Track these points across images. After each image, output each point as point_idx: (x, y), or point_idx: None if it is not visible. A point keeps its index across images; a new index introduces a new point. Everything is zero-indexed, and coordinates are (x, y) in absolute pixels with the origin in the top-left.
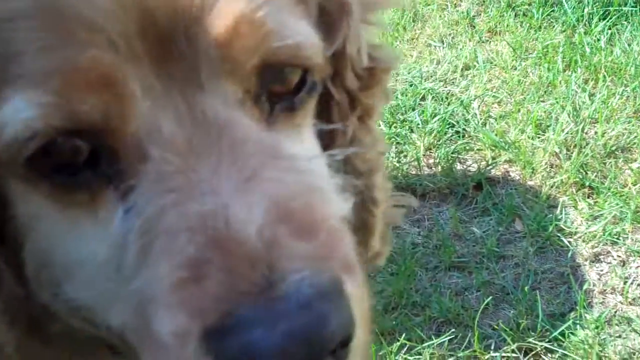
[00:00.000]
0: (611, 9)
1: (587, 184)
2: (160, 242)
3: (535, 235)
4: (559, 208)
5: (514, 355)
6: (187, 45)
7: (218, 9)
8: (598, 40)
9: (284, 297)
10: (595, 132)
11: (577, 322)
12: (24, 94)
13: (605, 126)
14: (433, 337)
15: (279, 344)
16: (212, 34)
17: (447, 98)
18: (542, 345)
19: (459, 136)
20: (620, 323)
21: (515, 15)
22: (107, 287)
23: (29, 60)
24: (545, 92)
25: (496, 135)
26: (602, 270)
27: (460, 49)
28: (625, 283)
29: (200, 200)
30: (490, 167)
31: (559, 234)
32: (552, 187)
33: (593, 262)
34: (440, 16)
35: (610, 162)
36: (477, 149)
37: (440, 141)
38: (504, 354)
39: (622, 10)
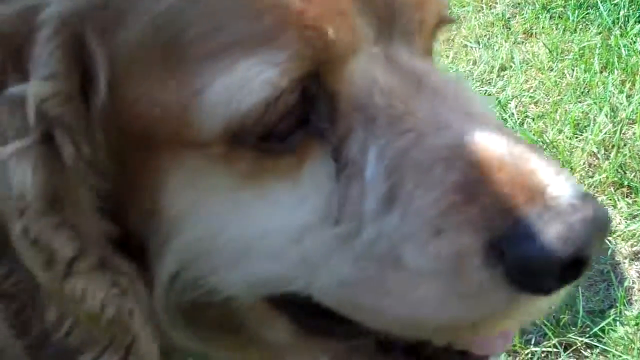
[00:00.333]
0: None
1: (626, 183)
2: (412, 179)
3: None
4: None
5: (554, 350)
6: (388, 3)
7: None
8: (634, 42)
9: (561, 196)
10: (634, 133)
11: (617, 318)
12: (253, 57)
13: None
14: None
15: (574, 234)
16: (422, 7)
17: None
18: (582, 341)
19: None
20: None
21: (551, 17)
22: (316, 248)
23: (244, 25)
24: (582, 93)
25: (534, 135)
26: None
27: (497, 50)
28: None
29: (439, 135)
30: None
31: None
32: (590, 186)
33: (632, 260)
34: (475, 17)
35: None
36: None
37: None
38: (544, 349)
39: None
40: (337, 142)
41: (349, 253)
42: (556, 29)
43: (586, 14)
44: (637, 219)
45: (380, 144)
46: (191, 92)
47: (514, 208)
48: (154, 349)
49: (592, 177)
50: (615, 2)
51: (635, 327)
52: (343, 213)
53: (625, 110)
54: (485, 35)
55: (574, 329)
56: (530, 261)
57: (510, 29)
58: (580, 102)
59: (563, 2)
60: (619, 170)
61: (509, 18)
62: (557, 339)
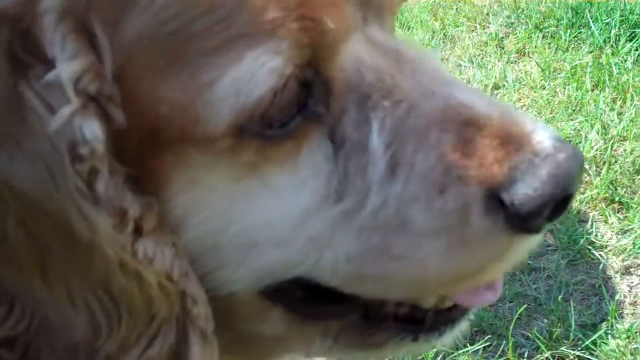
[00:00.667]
0: (638, 30)
1: (617, 199)
2: (411, 145)
3: (567, 248)
4: (589, 222)
5: None
6: None
7: None
8: (625, 61)
9: (544, 140)
10: (624, 150)
11: (609, 332)
12: (257, 48)
13: (633, 144)
14: (468, 345)
15: (562, 171)
16: None
17: None
18: (574, 354)
19: None
20: None
21: (543, 37)
22: (320, 228)
23: (246, 18)
24: (574, 110)
25: None
26: (632, 282)
27: (490, 69)
28: None
29: (430, 101)
30: None
31: (589, 247)
32: (582, 202)
33: (624, 274)
34: (469, 37)
35: (639, 179)
36: None
37: None
38: None
39: None
40: (333, 123)
41: (353, 226)
42: (548, 48)
43: (578, 33)
44: (628, 234)
45: (379, 117)
46: (198, 87)
47: (506, 157)
48: (210, 313)
49: (583, 193)
50: (606, 21)
51: (627, 340)
52: (345, 189)
53: (616, 127)
54: (478, 54)
55: (566, 342)
56: (528, 203)
57: (503, 48)
58: (572, 119)
59: (555, 21)
60: (610, 186)
61: (502, 38)
62: (549, 352)
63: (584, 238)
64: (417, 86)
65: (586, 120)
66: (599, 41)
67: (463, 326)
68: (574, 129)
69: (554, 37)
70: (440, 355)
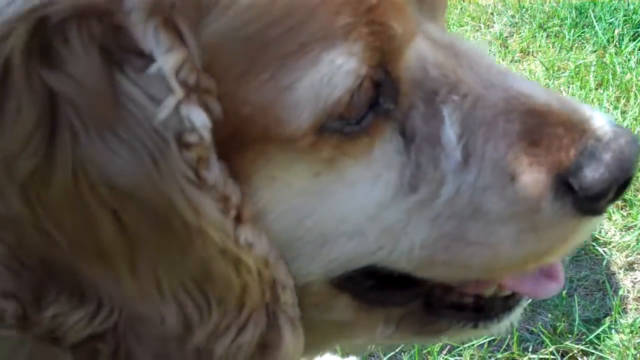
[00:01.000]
0: None
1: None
2: (481, 135)
3: None
4: None
5: (551, 357)
6: None
7: None
8: (628, 60)
9: (604, 126)
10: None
11: (613, 326)
12: (333, 50)
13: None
14: (473, 339)
15: (625, 155)
16: None
17: None
18: (578, 348)
19: None
20: None
21: (547, 36)
22: (395, 218)
23: (321, 22)
24: None
25: None
26: (636, 278)
27: None
28: None
29: (492, 93)
30: None
31: (593, 244)
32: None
33: (627, 270)
34: (474, 37)
35: None
36: None
37: None
38: (541, 356)
39: None
40: (402, 118)
41: (427, 215)
42: (552, 48)
43: (582, 32)
44: (632, 230)
45: (449, 110)
46: (278, 89)
47: (571, 144)
48: (296, 301)
49: None
50: (610, 21)
51: (630, 334)
52: (418, 180)
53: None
54: None
55: (570, 336)
56: (595, 186)
57: (507, 47)
58: None
59: (559, 21)
60: None
61: (506, 37)
62: (554, 346)
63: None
64: (477, 79)
65: None
66: (602, 41)
67: (518, 313)
68: None
69: (557, 37)
70: (446, 349)
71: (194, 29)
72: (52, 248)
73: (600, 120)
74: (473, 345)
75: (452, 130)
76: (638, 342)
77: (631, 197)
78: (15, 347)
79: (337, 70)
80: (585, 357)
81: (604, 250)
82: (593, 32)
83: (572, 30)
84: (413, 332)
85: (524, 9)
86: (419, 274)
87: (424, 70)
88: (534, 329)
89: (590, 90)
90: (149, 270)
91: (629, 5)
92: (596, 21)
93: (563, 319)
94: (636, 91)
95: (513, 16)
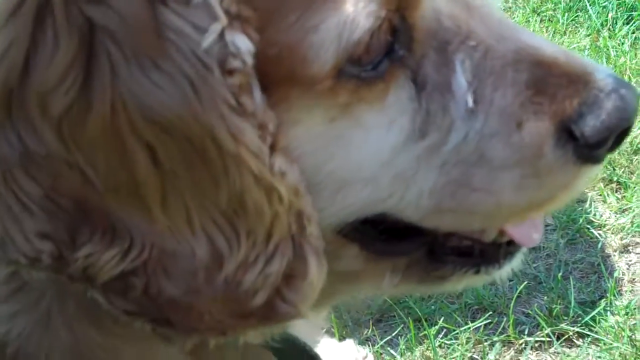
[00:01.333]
0: (634, 13)
1: (615, 179)
2: (490, 84)
3: (566, 227)
4: (588, 202)
5: (547, 339)
6: None
7: None
8: (622, 44)
9: (606, 77)
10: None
11: (608, 308)
12: None
13: None
14: (469, 322)
15: (625, 104)
16: None
17: None
18: (574, 330)
19: None
20: None
21: (541, 21)
22: (406, 164)
23: None
24: None
25: None
26: (630, 260)
27: None
28: None
29: (502, 44)
30: None
31: (588, 226)
32: (589, 182)
33: (622, 252)
34: None
35: (637, 159)
36: None
37: None
38: (537, 339)
39: None
40: (415, 66)
41: (435, 161)
42: (546, 32)
43: (575, 16)
44: (626, 213)
45: (460, 59)
46: (305, 29)
47: (575, 94)
48: (320, 233)
49: None
50: (603, 4)
51: (625, 316)
52: (428, 126)
53: None
54: None
55: (566, 318)
56: (596, 133)
57: None
58: None
59: (553, 5)
60: (609, 166)
61: None
62: (550, 329)
63: (583, 217)
64: (488, 31)
65: None
66: (596, 24)
67: (518, 260)
68: None
69: (551, 21)
70: (443, 332)
71: None
72: (85, 187)
73: (603, 73)
74: (469, 328)
75: (462, 78)
76: (633, 324)
77: (626, 180)
78: (39, 297)
79: (360, 11)
80: (580, 339)
81: (598, 233)
82: (587, 15)
83: (566, 14)
84: (418, 280)
85: None
86: (426, 223)
87: (438, 20)
88: (529, 312)
89: (595, 61)
90: (181, 206)
91: None
92: (590, 5)
93: (559, 301)
94: (630, 74)
95: (507, 0)
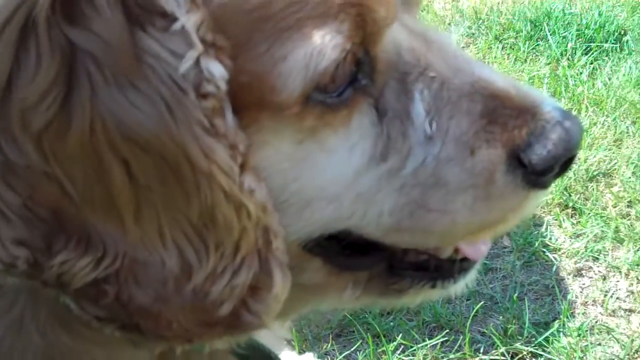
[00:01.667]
0: (593, 44)
1: (571, 205)
2: (446, 113)
3: (522, 250)
4: (544, 226)
5: (502, 358)
6: None
7: None
8: (580, 73)
9: (553, 110)
10: (578, 158)
11: (561, 330)
12: (324, 28)
13: (587, 152)
14: (426, 339)
15: (570, 136)
16: None
17: None
18: (528, 350)
19: None
20: (601, 332)
21: (503, 48)
22: (367, 185)
23: (316, 2)
24: None
25: None
26: (584, 284)
27: None
28: (605, 296)
29: (458, 77)
30: None
31: (544, 250)
32: (538, 207)
33: (576, 276)
34: None
35: (592, 186)
36: None
37: None
38: (492, 357)
39: (603, 46)
40: (377, 95)
41: (395, 183)
42: (508, 59)
43: (536, 45)
44: (581, 238)
45: (419, 89)
46: (274, 60)
47: (524, 124)
48: (285, 248)
49: None
50: (563, 35)
51: (577, 337)
52: (388, 151)
53: None
54: None
55: (520, 338)
56: (542, 161)
57: None
58: None
59: (515, 33)
60: (565, 192)
61: (463, 47)
62: (504, 348)
63: (539, 241)
64: (445, 64)
65: None
66: (556, 54)
67: (472, 275)
68: None
69: (513, 49)
70: (400, 349)
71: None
72: (62, 198)
73: (550, 106)
74: (426, 345)
75: (421, 106)
76: (584, 346)
77: (581, 206)
78: (12, 302)
79: (326, 43)
80: (534, 359)
81: (554, 257)
82: (547, 45)
83: (527, 43)
84: (378, 293)
85: (481, 21)
86: (387, 240)
87: (399, 53)
88: (485, 331)
89: (544, 94)
90: (153, 218)
91: (581, 20)
92: (550, 35)
93: (514, 321)
94: (587, 103)
95: (470, 27)
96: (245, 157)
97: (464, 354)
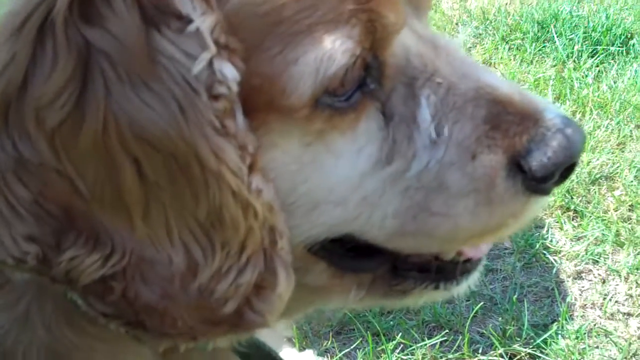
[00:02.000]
0: (599, 47)
1: (573, 207)
2: (450, 118)
3: (523, 251)
4: (545, 228)
5: (500, 359)
6: None
7: None
8: (586, 76)
9: (555, 117)
10: (581, 161)
11: (559, 332)
12: (334, 33)
13: (590, 155)
14: (426, 339)
15: (570, 143)
16: None
17: None
18: (526, 351)
19: None
20: (599, 335)
21: (509, 49)
22: (373, 188)
23: (327, 7)
24: None
25: None
26: (583, 287)
27: None
28: (604, 299)
29: (464, 82)
30: None
31: (544, 252)
32: (540, 211)
33: (575, 279)
34: None
35: (594, 189)
36: None
37: None
38: (490, 358)
39: (609, 49)
40: (385, 99)
41: (399, 187)
42: (514, 60)
43: (543, 47)
44: (581, 241)
45: (425, 95)
46: (286, 63)
47: (525, 131)
48: (290, 248)
49: None
50: (570, 37)
51: (575, 340)
52: (393, 154)
53: None
54: None
55: (519, 340)
56: (542, 168)
57: (470, 57)
58: None
59: (522, 34)
60: (567, 195)
61: (469, 47)
62: (503, 349)
63: (540, 243)
64: (452, 69)
65: None
66: (562, 56)
67: (475, 277)
68: None
69: (519, 50)
70: (400, 347)
71: (219, 0)
72: (73, 195)
73: (552, 112)
74: (425, 344)
75: (427, 111)
76: (582, 348)
77: (582, 209)
78: (19, 297)
79: (337, 48)
80: None
81: (554, 259)
82: (553, 47)
83: (534, 44)
84: (382, 294)
85: (488, 21)
86: (390, 245)
87: (407, 58)
88: (484, 332)
89: (548, 101)
90: (162, 217)
91: (589, 22)
92: (557, 36)
93: (513, 322)
94: (592, 106)
95: (477, 27)
96: (254, 158)
97: (463, 354)
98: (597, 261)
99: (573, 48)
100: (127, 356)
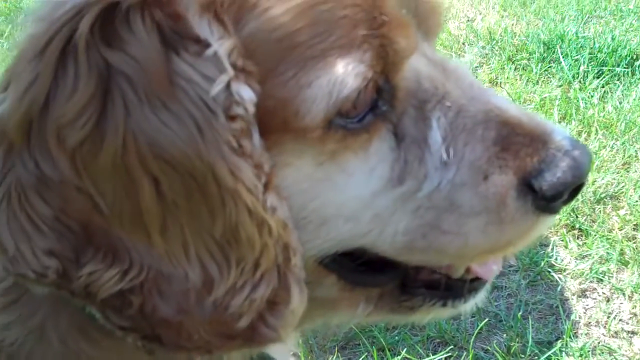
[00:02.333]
0: (605, 68)
1: (578, 226)
2: (461, 140)
3: (528, 269)
4: (550, 246)
5: None
6: (419, 13)
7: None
8: (592, 96)
9: (563, 139)
10: (587, 180)
11: (563, 349)
12: (347, 57)
13: (595, 175)
14: (430, 354)
15: (578, 164)
16: (437, 14)
17: None
18: None
19: None
20: (603, 353)
21: (515, 69)
22: (384, 206)
23: (340, 33)
24: None
25: None
26: (587, 305)
27: None
28: (608, 317)
29: (473, 105)
30: None
31: (549, 270)
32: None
33: (580, 297)
34: None
35: (600, 208)
36: None
37: None
38: None
39: (615, 70)
40: (396, 120)
41: (410, 205)
42: (520, 80)
43: (549, 67)
44: (586, 259)
45: (436, 117)
46: (299, 86)
47: (535, 152)
48: (302, 265)
49: None
50: (576, 58)
51: (579, 358)
52: (405, 174)
53: None
54: None
55: (523, 357)
56: (552, 188)
57: (477, 77)
58: None
59: (528, 55)
60: (572, 213)
61: (476, 67)
62: None
63: (545, 261)
64: (462, 92)
65: None
66: (568, 76)
67: (482, 295)
68: None
69: (525, 70)
70: None
71: (236, 25)
72: (92, 211)
73: (560, 135)
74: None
75: (438, 133)
76: None
77: (587, 228)
78: (34, 310)
79: (349, 72)
80: None
81: (559, 277)
82: (559, 67)
83: (540, 64)
84: (389, 310)
85: (495, 41)
86: (400, 258)
87: (418, 81)
88: (488, 348)
89: (554, 123)
90: (179, 234)
91: (594, 43)
92: (563, 57)
93: (517, 339)
94: (597, 126)
95: (484, 47)
96: (269, 177)
97: None
98: (602, 280)
99: (579, 69)
100: None
